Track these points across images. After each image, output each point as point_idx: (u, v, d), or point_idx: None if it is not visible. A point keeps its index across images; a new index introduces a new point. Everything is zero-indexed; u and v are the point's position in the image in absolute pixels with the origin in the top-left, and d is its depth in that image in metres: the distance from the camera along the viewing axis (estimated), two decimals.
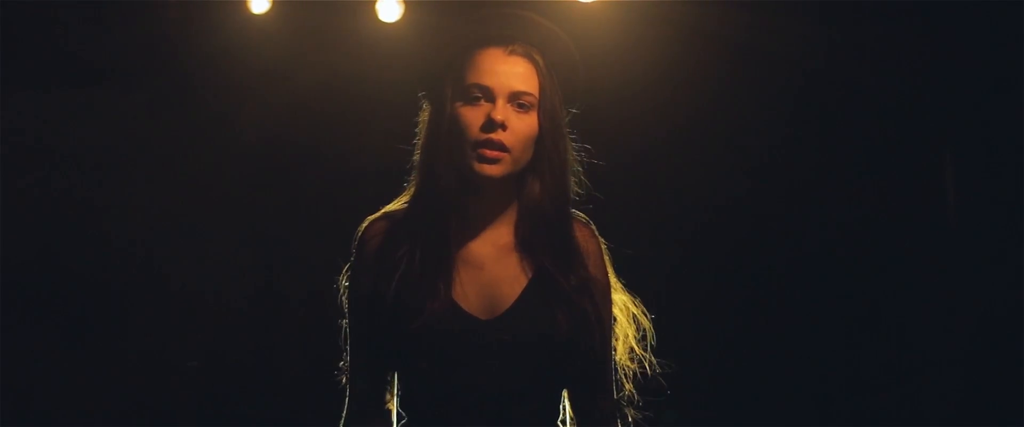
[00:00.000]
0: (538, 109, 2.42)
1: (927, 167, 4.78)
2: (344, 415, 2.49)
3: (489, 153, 2.37)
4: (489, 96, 2.40)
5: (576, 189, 2.50)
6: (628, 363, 2.56)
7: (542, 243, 2.44)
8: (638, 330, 2.57)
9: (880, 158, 4.83)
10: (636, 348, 2.57)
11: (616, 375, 2.53)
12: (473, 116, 2.39)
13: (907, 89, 4.74)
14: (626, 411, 2.55)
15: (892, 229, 4.78)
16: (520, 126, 2.40)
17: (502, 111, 2.39)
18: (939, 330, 4.77)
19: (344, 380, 2.50)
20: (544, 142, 2.42)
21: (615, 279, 2.54)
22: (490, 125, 2.37)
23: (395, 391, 2.47)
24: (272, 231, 4.84)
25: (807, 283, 4.84)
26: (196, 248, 4.72)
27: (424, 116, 2.49)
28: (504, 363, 2.39)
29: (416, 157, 2.49)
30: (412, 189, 2.49)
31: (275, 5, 4.78)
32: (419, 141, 2.49)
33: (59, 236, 4.83)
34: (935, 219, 4.78)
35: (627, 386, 2.55)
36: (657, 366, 2.58)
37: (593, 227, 2.52)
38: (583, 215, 2.52)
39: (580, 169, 2.53)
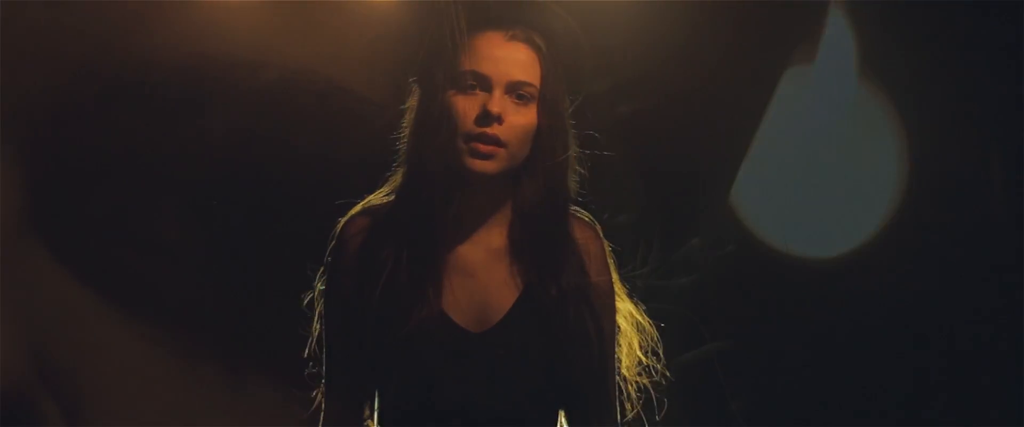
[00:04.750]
0: (537, 101, 2.04)
1: (975, 164, 4.50)
2: None
3: (483, 147, 1.97)
4: (485, 85, 1.99)
5: (576, 189, 2.16)
6: (633, 378, 2.22)
7: (538, 247, 2.06)
8: (644, 341, 2.24)
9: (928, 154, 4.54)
10: (644, 360, 2.24)
11: (619, 393, 2.19)
12: (467, 106, 1.98)
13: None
14: None
15: (939, 226, 4.50)
16: (518, 120, 2.00)
17: (499, 102, 1.98)
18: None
19: (319, 395, 2.15)
20: (541, 138, 2.04)
21: (619, 285, 2.19)
22: (485, 118, 1.97)
23: (375, 408, 2.12)
24: (243, 229, 4.61)
25: (846, 282, 4.55)
26: (162, 248, 4.51)
27: (412, 102, 2.12)
28: (495, 380, 2.00)
29: (402, 149, 2.12)
30: (397, 182, 2.12)
31: None
32: (406, 131, 2.12)
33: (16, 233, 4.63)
34: (986, 215, 4.49)
35: (630, 405, 2.22)
36: (665, 382, 2.29)
37: (598, 228, 2.16)
38: (587, 214, 2.19)
39: (580, 168, 2.19)
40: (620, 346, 2.18)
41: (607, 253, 2.16)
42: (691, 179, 3.69)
